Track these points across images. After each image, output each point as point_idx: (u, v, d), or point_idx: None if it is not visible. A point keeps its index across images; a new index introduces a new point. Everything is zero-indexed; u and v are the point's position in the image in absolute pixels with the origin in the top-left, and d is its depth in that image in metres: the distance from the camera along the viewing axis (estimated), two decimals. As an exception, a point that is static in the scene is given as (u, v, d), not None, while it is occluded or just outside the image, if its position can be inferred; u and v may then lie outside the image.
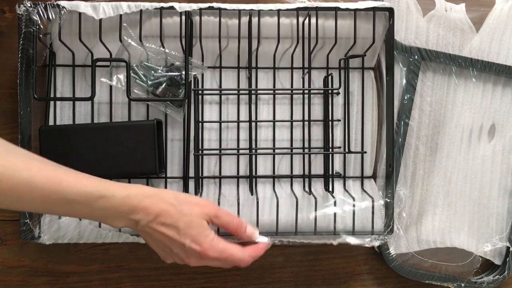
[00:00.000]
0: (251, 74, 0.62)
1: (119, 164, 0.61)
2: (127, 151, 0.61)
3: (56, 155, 0.59)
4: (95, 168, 0.60)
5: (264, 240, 0.58)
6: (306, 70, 0.64)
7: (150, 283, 0.68)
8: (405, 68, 0.68)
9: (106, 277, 0.67)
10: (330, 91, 0.65)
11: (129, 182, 0.64)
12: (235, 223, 0.56)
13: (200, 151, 0.65)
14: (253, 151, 0.65)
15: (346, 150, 0.65)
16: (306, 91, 0.65)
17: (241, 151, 0.66)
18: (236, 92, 0.66)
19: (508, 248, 0.71)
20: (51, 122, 0.65)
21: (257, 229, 0.59)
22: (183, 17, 0.62)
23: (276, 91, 0.67)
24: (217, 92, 0.66)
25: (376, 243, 0.65)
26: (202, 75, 0.66)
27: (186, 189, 0.64)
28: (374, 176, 0.69)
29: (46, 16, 0.61)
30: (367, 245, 0.64)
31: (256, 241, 0.58)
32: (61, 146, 0.61)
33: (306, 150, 0.66)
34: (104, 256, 0.67)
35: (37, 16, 0.60)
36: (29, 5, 0.60)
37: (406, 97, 0.67)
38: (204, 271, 0.68)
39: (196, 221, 0.53)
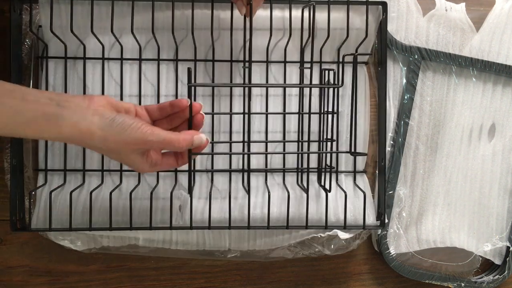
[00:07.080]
0: (250, 66, 0.60)
1: None
2: None
3: None
4: None
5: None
6: (307, 65, 0.63)
7: (150, 283, 0.68)
8: (405, 68, 0.68)
9: (106, 277, 0.67)
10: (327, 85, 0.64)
11: None
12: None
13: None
14: (247, 146, 0.63)
15: (337, 147, 0.65)
16: (307, 86, 0.64)
17: (234, 145, 0.65)
18: (231, 85, 0.65)
19: (508, 247, 0.71)
20: None
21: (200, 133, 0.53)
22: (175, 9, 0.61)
23: (273, 86, 0.66)
24: (213, 86, 0.65)
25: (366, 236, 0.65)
26: (195, 68, 0.65)
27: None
28: (366, 171, 0.69)
29: (37, 8, 0.61)
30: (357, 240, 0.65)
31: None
32: None
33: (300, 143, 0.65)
34: (104, 256, 0.67)
35: (28, 11, 0.61)
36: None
37: (406, 97, 0.67)
38: (204, 271, 0.68)
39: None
